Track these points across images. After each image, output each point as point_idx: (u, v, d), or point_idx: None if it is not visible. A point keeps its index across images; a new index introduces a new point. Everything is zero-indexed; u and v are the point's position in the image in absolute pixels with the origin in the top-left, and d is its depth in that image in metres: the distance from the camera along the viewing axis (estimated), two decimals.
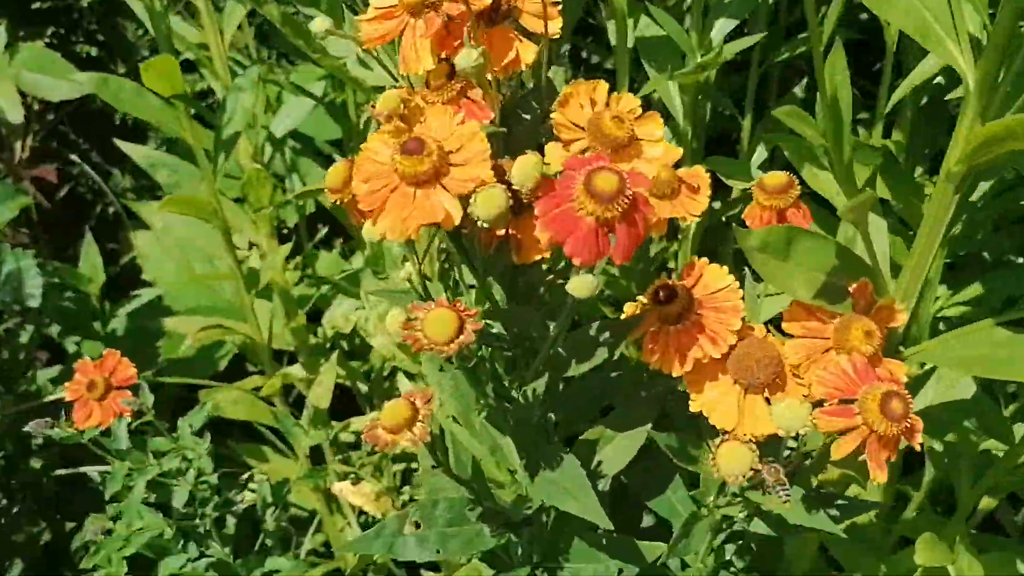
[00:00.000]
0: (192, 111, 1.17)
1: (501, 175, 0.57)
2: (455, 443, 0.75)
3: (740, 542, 0.82)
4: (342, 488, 1.28)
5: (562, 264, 0.70)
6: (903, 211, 0.94)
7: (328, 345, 1.45)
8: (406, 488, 1.31)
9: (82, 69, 1.45)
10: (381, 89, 0.61)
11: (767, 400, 0.65)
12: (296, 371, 1.40)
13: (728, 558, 0.83)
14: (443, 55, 0.61)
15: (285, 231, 1.63)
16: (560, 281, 0.63)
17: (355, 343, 1.49)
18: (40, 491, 1.32)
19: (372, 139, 0.56)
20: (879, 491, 0.99)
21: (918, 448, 0.60)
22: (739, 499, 0.71)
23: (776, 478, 0.59)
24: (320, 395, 1.29)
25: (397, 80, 0.63)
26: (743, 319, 0.64)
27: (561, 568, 0.80)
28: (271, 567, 0.99)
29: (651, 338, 0.66)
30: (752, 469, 0.60)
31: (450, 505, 0.74)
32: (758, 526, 0.75)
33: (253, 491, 1.16)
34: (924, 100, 1.08)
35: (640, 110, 0.61)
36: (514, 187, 0.55)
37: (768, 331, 0.67)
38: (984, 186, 0.88)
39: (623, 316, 0.68)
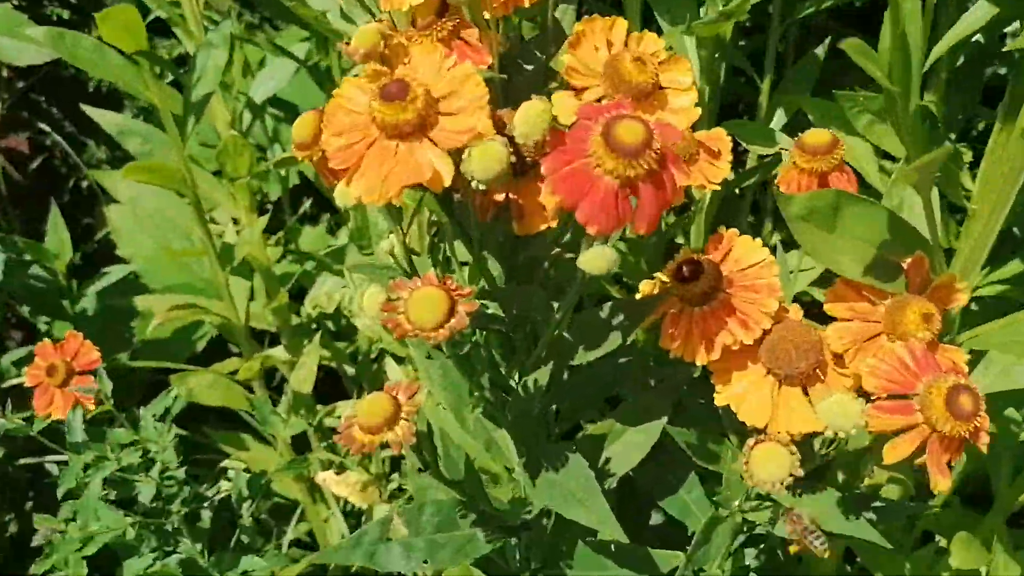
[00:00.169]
0: (170, 77, 1.07)
1: (501, 128, 0.48)
2: (444, 438, 0.66)
3: (762, 545, 0.75)
4: (326, 478, 1.19)
5: (568, 236, 0.61)
6: (940, 180, 0.86)
7: (314, 325, 1.37)
8: (395, 476, 1.24)
9: None
10: None
11: (805, 393, 0.57)
12: (278, 353, 1.32)
13: (747, 563, 0.75)
14: None
15: (269, 206, 1.55)
16: (569, 255, 0.54)
17: (341, 323, 1.41)
18: (6, 481, 1.24)
19: (346, 84, 0.47)
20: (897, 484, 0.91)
21: (985, 451, 0.52)
22: (768, 503, 0.63)
23: (802, 529, 0.51)
24: (302, 379, 1.21)
25: (378, 17, 0.54)
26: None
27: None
28: (245, 567, 0.91)
29: (672, 321, 0.57)
30: (791, 475, 0.51)
31: (439, 509, 0.65)
32: (782, 530, 0.67)
33: (231, 479, 1.08)
34: (960, 62, 0.99)
35: (664, 52, 0.52)
36: (517, 141, 0.45)
37: None
38: None
39: (638, 296, 0.60)
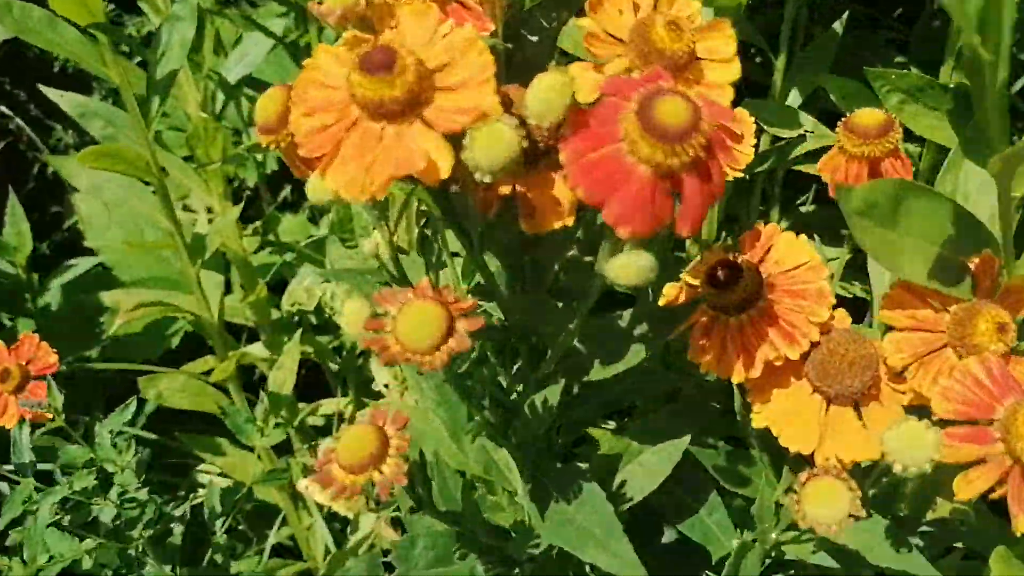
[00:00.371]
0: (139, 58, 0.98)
1: (507, 107, 0.39)
2: (439, 464, 0.58)
3: (792, 572, 0.67)
4: (308, 486, 1.11)
5: (578, 233, 0.53)
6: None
7: (296, 319, 1.28)
8: None
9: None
10: None
11: (857, 412, 0.49)
12: (257, 350, 1.23)
13: None
14: None
15: (248, 193, 1.46)
16: (587, 258, 0.46)
17: (325, 315, 1.32)
18: None
19: (319, 53, 0.39)
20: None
21: None
22: (810, 534, 0.55)
23: None
24: (282, 380, 1.12)
25: None
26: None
27: None
28: None
29: (703, 331, 0.49)
30: (851, 516, 0.43)
31: (433, 542, 0.57)
32: (823, 559, 0.60)
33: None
34: None
35: (699, 16, 0.44)
36: (529, 122, 0.37)
37: None
38: None
39: (661, 301, 0.52)
